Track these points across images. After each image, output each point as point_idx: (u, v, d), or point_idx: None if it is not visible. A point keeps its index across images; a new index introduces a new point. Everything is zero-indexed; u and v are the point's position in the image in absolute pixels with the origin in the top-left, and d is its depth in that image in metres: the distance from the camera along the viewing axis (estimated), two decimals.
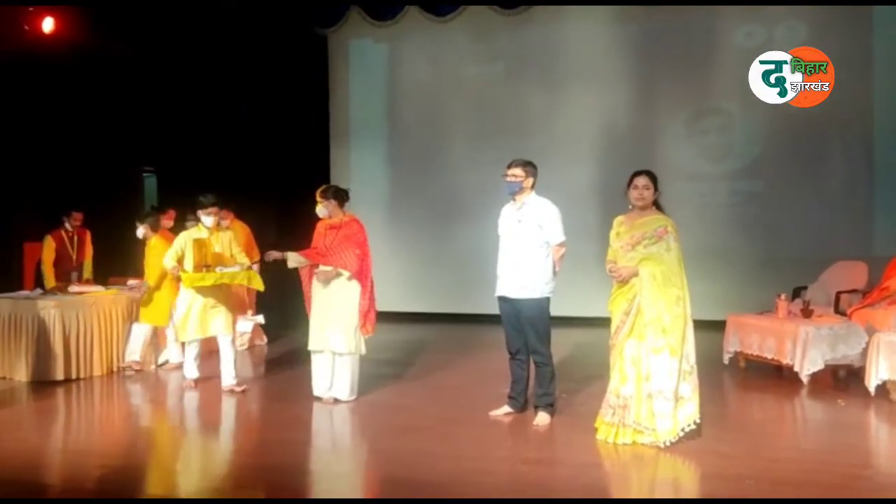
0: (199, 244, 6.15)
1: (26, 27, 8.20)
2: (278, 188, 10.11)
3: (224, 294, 6.28)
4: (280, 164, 10.29)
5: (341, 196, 5.87)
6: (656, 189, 4.71)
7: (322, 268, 5.76)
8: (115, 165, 9.37)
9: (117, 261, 8.07)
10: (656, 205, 4.75)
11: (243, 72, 10.02)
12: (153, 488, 4.41)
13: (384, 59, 10.81)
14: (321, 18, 10.75)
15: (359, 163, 10.84)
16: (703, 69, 9.39)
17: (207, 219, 6.27)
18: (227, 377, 6.24)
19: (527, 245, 5.15)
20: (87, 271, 7.85)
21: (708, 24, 9.37)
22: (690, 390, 4.65)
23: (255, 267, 6.44)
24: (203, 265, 6.12)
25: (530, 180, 5.21)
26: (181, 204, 9.13)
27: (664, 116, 9.62)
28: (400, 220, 10.30)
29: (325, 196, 5.83)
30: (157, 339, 7.29)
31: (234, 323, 6.43)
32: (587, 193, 9.56)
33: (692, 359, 4.68)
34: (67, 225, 7.70)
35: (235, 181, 8.99)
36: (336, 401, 5.80)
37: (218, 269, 6.14)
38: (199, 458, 4.90)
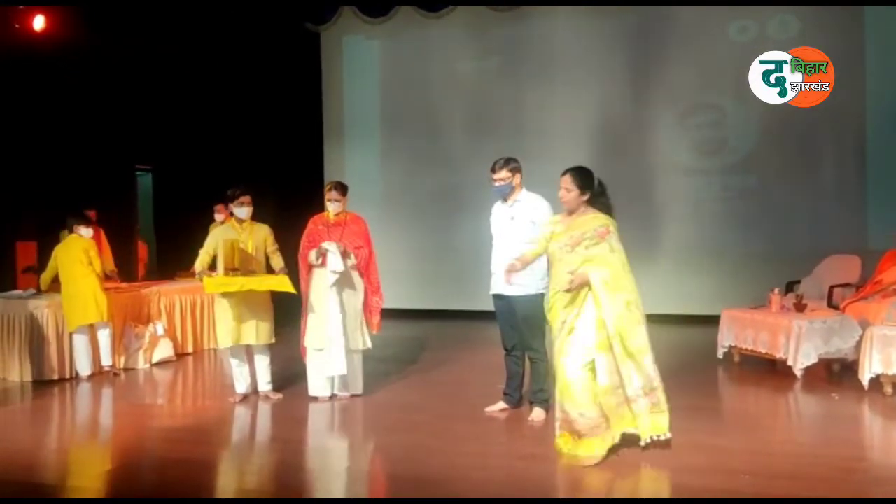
0: (228, 245, 5.63)
1: (17, 25, 8.15)
2: (273, 185, 10.09)
3: (256, 300, 5.75)
4: (274, 161, 10.28)
5: (347, 192, 5.90)
6: (585, 191, 4.36)
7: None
8: (108, 163, 9.33)
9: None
10: (599, 204, 4.40)
11: (237, 70, 10.00)
12: (149, 489, 4.40)
13: (377, 55, 10.80)
14: (314, 16, 10.75)
15: (353, 159, 10.83)
16: (696, 64, 9.41)
17: (240, 210, 5.86)
18: (262, 383, 5.96)
19: (520, 242, 5.12)
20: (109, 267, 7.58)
21: (701, 20, 9.37)
22: (648, 405, 4.32)
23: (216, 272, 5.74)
24: (231, 268, 5.62)
25: (517, 177, 5.20)
26: (177, 200, 9.13)
27: (658, 111, 9.63)
28: (394, 217, 10.28)
29: (344, 193, 5.82)
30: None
31: (271, 330, 5.91)
32: None
33: (652, 371, 4.31)
34: None
35: (230, 178, 8.97)
36: (334, 397, 5.80)
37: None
38: (196, 459, 4.88)
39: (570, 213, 4.41)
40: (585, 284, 4.24)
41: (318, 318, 5.74)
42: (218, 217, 8.37)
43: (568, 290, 4.26)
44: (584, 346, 4.27)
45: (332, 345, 5.66)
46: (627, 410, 4.33)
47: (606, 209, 4.41)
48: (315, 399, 5.79)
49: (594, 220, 4.33)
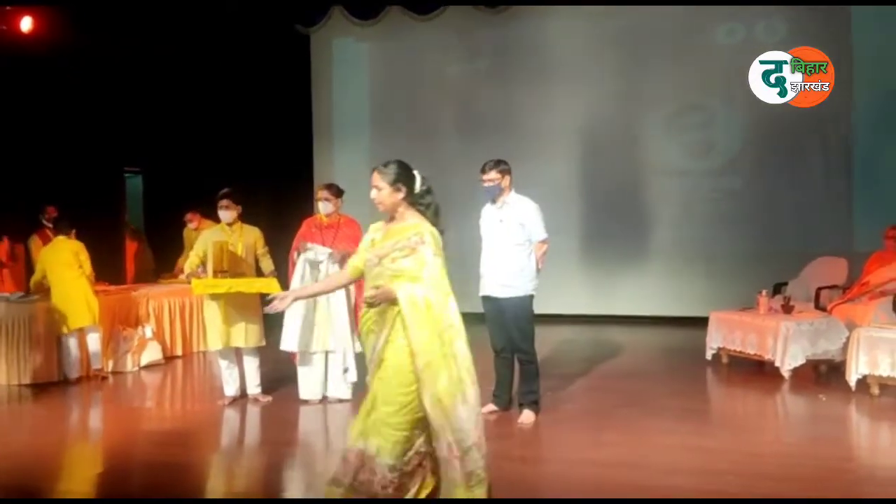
0: (217, 247, 5.62)
1: (4, 27, 8.10)
2: (263, 187, 10.06)
3: (245, 302, 5.73)
4: (264, 163, 10.24)
5: (342, 195, 5.85)
6: (398, 187, 3.55)
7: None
8: (96, 165, 9.28)
9: (97, 263, 7.98)
10: (422, 205, 3.63)
11: (227, 71, 9.97)
12: (138, 492, 4.38)
13: (367, 57, 10.80)
14: (304, 18, 10.73)
15: (342, 161, 10.81)
16: (684, 66, 9.45)
17: (222, 214, 5.83)
18: (251, 386, 5.94)
19: (509, 244, 5.17)
20: None
21: (689, 22, 9.41)
22: (461, 475, 3.30)
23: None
24: (219, 270, 5.60)
25: (507, 179, 5.23)
26: (166, 203, 9.05)
27: (646, 113, 9.67)
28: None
29: (336, 194, 5.78)
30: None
31: (261, 332, 5.91)
32: (570, 190, 9.60)
33: (467, 425, 3.29)
34: (43, 220, 7.61)
35: (219, 181, 8.94)
36: (325, 399, 5.79)
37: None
38: (186, 462, 4.87)
39: (390, 218, 3.65)
40: (391, 301, 3.40)
41: (309, 322, 5.71)
42: (190, 225, 8.34)
43: (370, 305, 3.44)
44: (400, 382, 3.38)
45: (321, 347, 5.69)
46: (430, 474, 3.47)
47: (433, 212, 3.63)
48: (305, 402, 5.77)
49: (410, 227, 3.52)
